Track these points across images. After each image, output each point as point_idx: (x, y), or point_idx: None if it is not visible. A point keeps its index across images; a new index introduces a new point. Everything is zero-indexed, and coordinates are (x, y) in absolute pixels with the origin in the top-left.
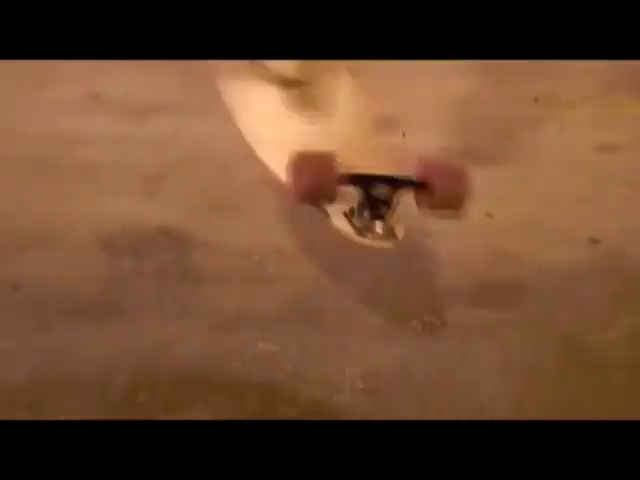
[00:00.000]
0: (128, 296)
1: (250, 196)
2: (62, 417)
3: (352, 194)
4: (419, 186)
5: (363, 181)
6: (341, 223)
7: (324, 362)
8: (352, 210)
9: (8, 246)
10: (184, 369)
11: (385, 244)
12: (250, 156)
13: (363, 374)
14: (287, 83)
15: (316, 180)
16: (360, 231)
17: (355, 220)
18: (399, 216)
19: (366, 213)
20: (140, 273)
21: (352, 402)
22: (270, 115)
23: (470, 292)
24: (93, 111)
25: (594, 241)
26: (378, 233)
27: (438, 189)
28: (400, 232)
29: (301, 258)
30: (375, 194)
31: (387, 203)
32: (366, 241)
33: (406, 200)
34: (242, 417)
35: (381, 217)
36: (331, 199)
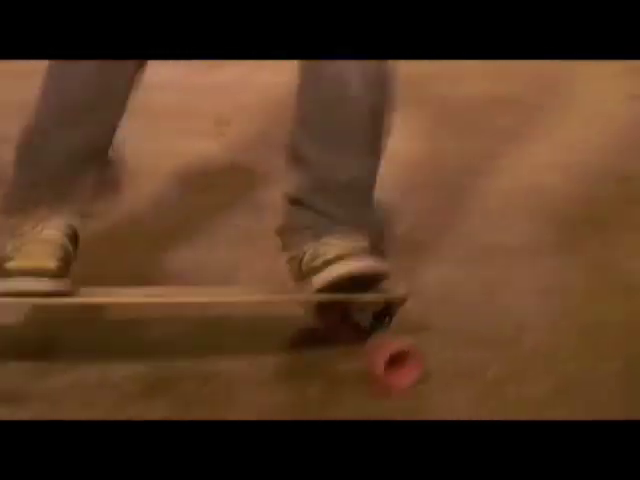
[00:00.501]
0: (202, 224)
1: None
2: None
3: None
4: None
5: None
6: None
7: None
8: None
9: None
10: None
11: None
12: None
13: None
14: None
15: None
16: None
17: None
18: None
19: None
20: (212, 205)
21: (398, 319)
22: None
23: (514, 224)
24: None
25: (625, 178)
26: None
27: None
28: None
29: None
30: None
31: None
32: None
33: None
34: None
35: None
36: None
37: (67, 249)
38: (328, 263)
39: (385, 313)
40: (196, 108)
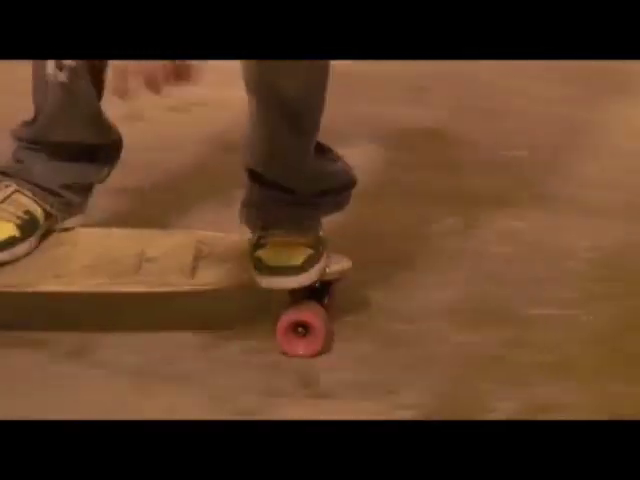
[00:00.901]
0: (401, 182)
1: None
2: None
3: None
4: None
5: None
6: None
7: (556, 239)
8: None
9: None
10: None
11: None
12: None
13: (591, 247)
14: None
15: None
16: None
17: None
18: None
19: None
20: (409, 165)
21: (580, 270)
22: None
23: None
24: None
25: None
26: None
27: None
28: None
29: None
30: None
31: None
32: None
33: None
34: None
35: None
36: None
37: (34, 212)
38: (262, 270)
39: (323, 289)
40: (396, 75)
